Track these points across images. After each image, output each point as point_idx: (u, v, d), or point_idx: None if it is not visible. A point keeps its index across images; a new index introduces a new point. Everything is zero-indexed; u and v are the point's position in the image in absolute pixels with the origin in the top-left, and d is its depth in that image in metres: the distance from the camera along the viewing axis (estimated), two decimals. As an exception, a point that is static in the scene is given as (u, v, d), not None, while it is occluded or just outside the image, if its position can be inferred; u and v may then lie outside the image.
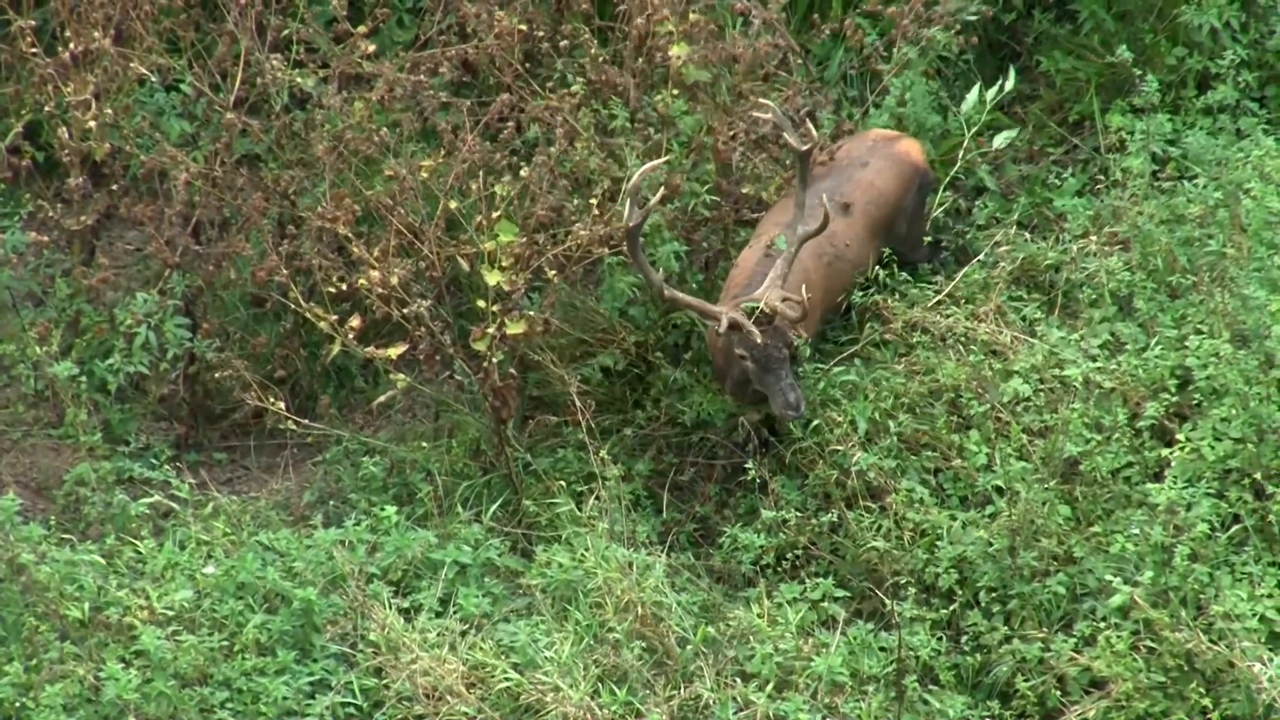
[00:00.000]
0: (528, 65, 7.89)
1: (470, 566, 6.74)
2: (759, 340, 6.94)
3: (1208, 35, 8.25)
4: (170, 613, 6.39)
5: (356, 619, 6.46)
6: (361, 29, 7.78)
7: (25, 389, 7.79)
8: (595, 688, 6.25)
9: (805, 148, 7.10)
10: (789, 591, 6.59)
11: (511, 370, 7.32)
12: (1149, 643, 6.19)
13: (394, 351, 7.29)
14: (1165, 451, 6.64)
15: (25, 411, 7.85)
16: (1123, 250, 7.52)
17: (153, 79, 7.94)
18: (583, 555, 6.60)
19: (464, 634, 6.42)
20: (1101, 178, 8.05)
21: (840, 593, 6.61)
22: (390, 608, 6.46)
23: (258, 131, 7.86)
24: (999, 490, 6.73)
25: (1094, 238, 7.58)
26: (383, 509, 6.88)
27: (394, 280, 7.23)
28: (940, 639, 6.43)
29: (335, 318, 7.31)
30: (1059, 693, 6.26)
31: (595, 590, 6.51)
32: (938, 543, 6.65)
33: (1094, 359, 7.00)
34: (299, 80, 7.80)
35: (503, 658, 6.34)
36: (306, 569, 6.61)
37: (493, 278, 7.14)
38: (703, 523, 7.40)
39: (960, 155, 7.97)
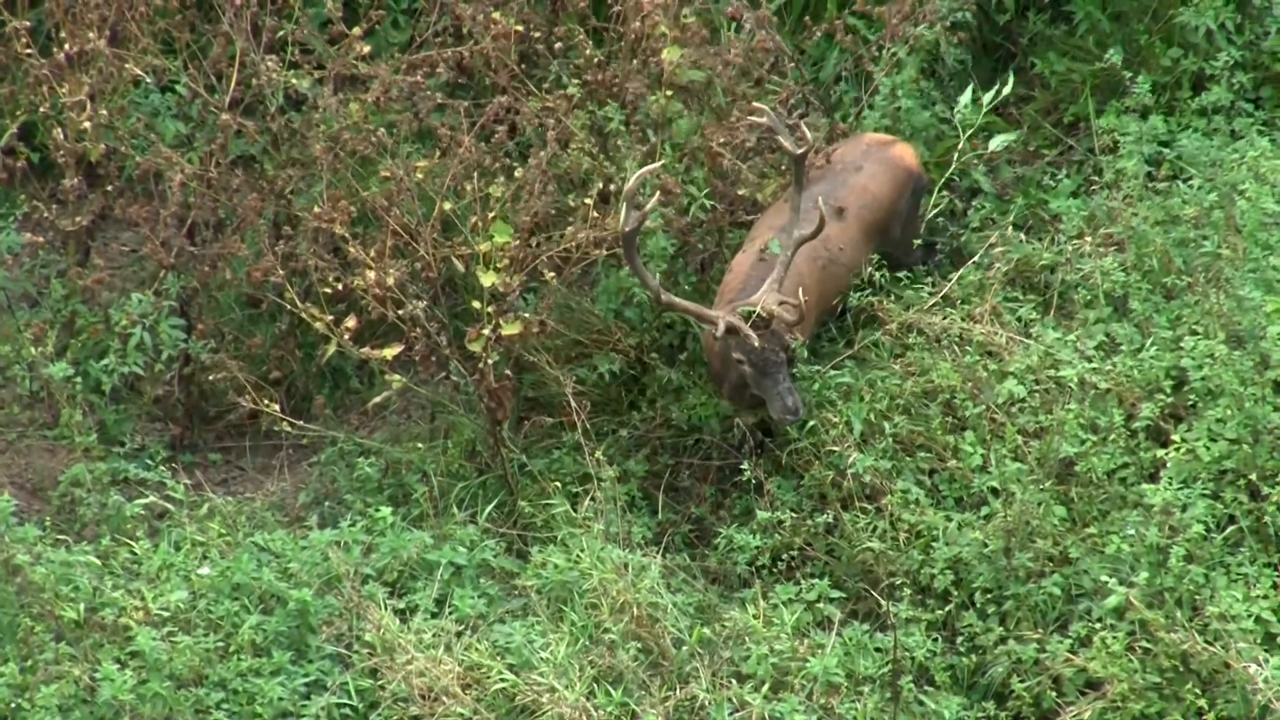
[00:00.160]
0: (523, 66, 7.89)
1: (465, 567, 6.73)
2: (756, 344, 6.92)
3: (1203, 36, 8.25)
4: (165, 613, 6.38)
5: (352, 620, 6.45)
6: (357, 30, 7.79)
7: (20, 390, 7.79)
8: (590, 689, 6.24)
9: (800, 151, 7.10)
10: (784, 592, 6.58)
11: (507, 371, 7.32)
12: (1144, 643, 6.18)
13: (389, 352, 7.28)
14: (1160, 452, 6.64)
15: (20, 412, 7.85)
16: (1118, 251, 7.52)
17: (148, 80, 7.94)
18: (578, 556, 6.59)
19: (459, 635, 6.40)
20: (1096, 179, 8.05)
21: (835, 594, 6.60)
22: (385, 609, 6.45)
23: (253, 132, 7.86)
24: (994, 491, 6.72)
25: (1089, 239, 7.56)
26: (378, 510, 6.87)
27: (390, 281, 7.23)
28: (935, 640, 6.43)
29: (331, 318, 7.30)
30: (1054, 694, 6.25)
31: (590, 591, 6.50)
32: (933, 544, 6.64)
33: (1089, 360, 7.00)
34: (294, 81, 7.80)
35: (498, 659, 6.33)
36: (302, 570, 6.60)
37: (488, 279, 7.13)
38: (698, 524, 7.40)
39: (955, 157, 7.98)
